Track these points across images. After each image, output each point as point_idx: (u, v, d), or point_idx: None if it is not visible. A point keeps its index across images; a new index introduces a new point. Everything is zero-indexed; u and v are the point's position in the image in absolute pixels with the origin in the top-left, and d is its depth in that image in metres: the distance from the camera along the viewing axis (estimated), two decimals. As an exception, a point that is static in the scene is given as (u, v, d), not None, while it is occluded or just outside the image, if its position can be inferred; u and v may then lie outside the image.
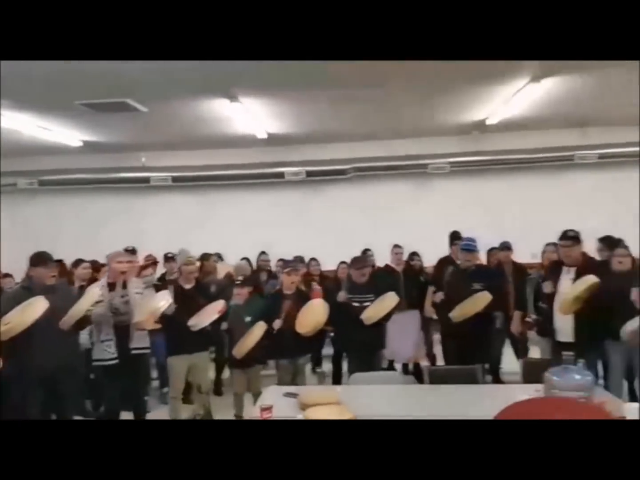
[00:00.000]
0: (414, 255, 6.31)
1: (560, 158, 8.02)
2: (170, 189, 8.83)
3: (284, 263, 6.08)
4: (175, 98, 5.72)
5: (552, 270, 4.50)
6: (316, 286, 5.83)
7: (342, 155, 8.34)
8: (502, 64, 4.67)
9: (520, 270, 5.69)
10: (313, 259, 6.97)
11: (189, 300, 4.53)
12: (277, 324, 4.49)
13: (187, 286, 4.69)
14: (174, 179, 8.56)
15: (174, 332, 4.51)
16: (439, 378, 3.57)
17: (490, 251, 6.18)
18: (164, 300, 4.20)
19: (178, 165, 8.54)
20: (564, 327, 4.28)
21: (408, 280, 5.63)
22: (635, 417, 2.56)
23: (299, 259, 6.73)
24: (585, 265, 4.23)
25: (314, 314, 4.44)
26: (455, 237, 5.95)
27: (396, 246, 5.97)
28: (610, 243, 5.22)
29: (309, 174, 8.39)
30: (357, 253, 6.13)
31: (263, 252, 7.09)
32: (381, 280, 5.32)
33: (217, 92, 5.53)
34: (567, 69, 5.11)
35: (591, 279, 3.95)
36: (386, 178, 8.58)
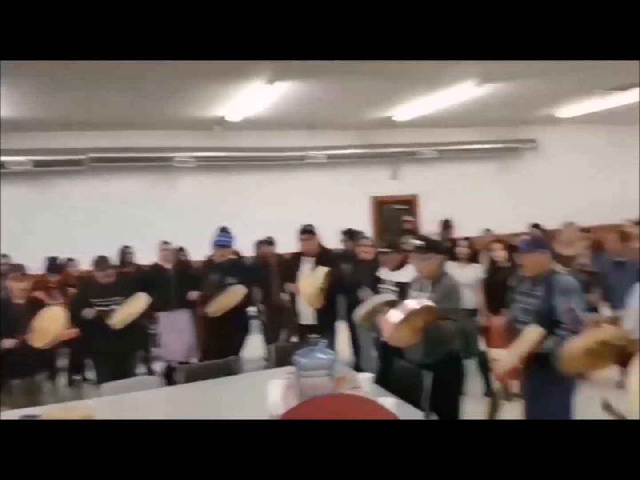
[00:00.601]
0: (180, 250, 6.14)
1: (295, 157, 8.77)
2: None
3: (11, 267, 5.28)
4: None
5: (294, 260, 4.94)
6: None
7: (78, 144, 7.61)
8: (238, 64, 4.84)
9: (284, 260, 6.01)
10: (70, 259, 6.24)
11: None
12: (8, 343, 3.87)
13: None
14: None
15: None
16: (195, 375, 3.59)
17: (258, 245, 6.45)
18: None
19: None
20: (305, 311, 4.75)
21: (178, 277, 5.40)
22: (368, 385, 3.00)
23: (51, 260, 5.95)
24: (321, 255, 4.75)
25: (49, 324, 3.98)
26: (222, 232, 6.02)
27: (164, 242, 5.70)
28: (351, 234, 6.00)
29: (37, 164, 7.42)
30: (114, 250, 5.70)
31: (4, 255, 6.02)
32: (140, 279, 5.07)
33: None
34: (296, 73, 5.58)
35: (324, 270, 4.47)
36: (128, 170, 8.14)
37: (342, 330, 5.25)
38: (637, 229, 4.97)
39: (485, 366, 4.94)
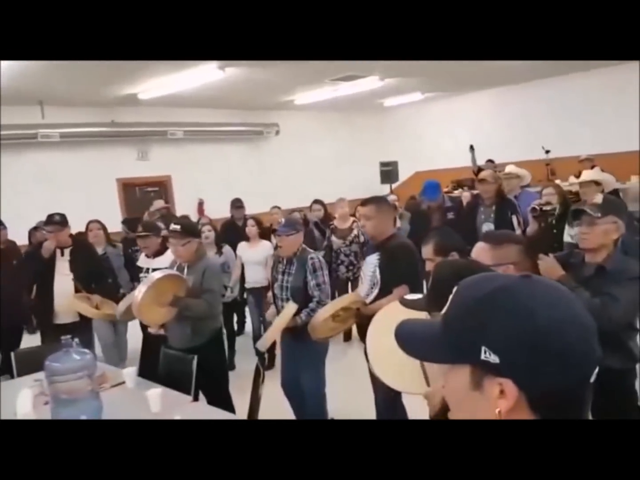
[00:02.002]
0: None
1: (25, 136, 7.69)
2: None
3: None
4: None
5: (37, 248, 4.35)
6: None
7: None
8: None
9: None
10: None
11: None
12: None
13: None
14: None
15: None
16: None
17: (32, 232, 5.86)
18: None
19: None
20: (60, 309, 4.22)
21: None
22: (133, 380, 2.90)
23: None
24: (76, 248, 4.26)
25: None
26: None
27: None
28: (130, 224, 5.65)
29: None
30: None
31: None
32: None
33: None
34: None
35: None
36: None
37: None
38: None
39: (231, 341, 5.12)
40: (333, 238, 5.31)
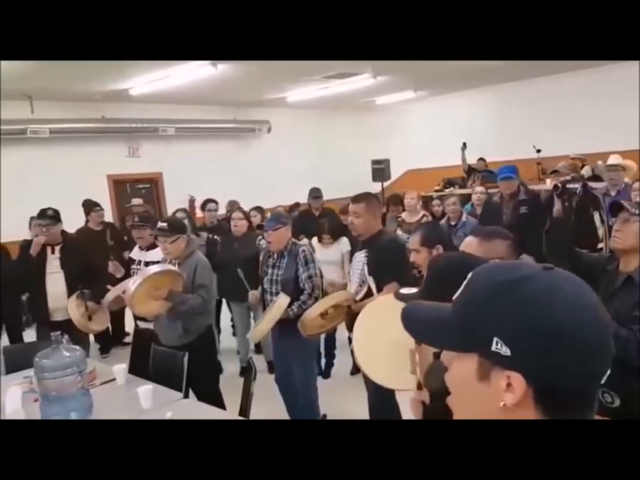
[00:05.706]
0: None
1: (13, 131, 7.61)
2: None
3: None
4: None
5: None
6: None
7: None
8: None
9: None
10: None
11: None
12: None
13: None
14: None
15: None
16: None
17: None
18: None
19: None
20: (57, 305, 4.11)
21: None
22: (123, 376, 2.89)
23: None
24: (65, 244, 4.16)
25: None
26: None
27: None
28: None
29: None
30: None
31: None
32: None
33: None
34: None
35: None
36: None
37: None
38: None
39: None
40: (399, 232, 4.80)
